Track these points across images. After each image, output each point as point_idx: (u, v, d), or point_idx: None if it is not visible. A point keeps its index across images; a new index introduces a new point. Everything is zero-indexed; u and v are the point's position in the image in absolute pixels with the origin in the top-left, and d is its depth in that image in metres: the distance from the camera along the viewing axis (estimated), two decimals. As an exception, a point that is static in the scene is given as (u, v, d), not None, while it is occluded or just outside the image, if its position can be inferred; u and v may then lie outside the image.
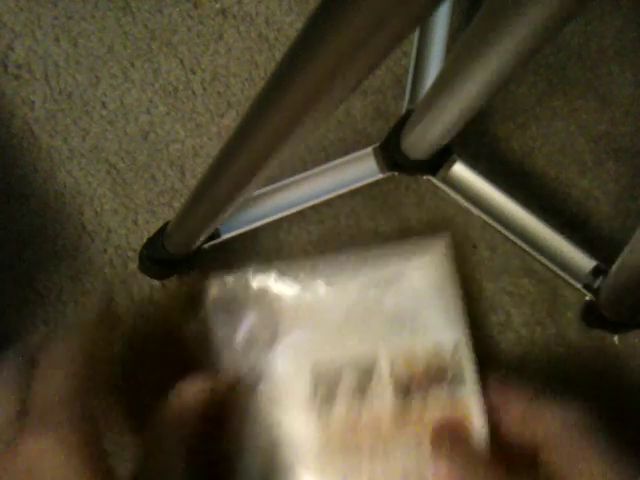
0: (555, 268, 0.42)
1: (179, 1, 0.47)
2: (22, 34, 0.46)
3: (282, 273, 0.42)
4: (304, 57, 0.19)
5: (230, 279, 0.42)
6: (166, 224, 0.39)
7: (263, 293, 0.41)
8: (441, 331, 0.41)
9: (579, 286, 0.42)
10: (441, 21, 0.44)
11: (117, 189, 0.45)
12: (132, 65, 0.47)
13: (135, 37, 0.47)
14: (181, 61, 0.47)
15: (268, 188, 0.42)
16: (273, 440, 0.39)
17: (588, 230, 0.46)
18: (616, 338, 0.44)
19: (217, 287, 0.42)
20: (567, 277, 0.42)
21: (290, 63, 0.20)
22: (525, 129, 0.47)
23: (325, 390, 0.40)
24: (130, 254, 0.44)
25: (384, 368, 0.40)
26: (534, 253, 0.42)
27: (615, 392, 0.44)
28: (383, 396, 0.40)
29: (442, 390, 0.40)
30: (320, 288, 0.42)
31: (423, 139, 0.38)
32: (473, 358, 0.40)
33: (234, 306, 0.41)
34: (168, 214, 0.45)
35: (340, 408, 0.40)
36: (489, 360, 0.44)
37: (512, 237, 0.42)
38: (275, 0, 0.48)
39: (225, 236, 0.41)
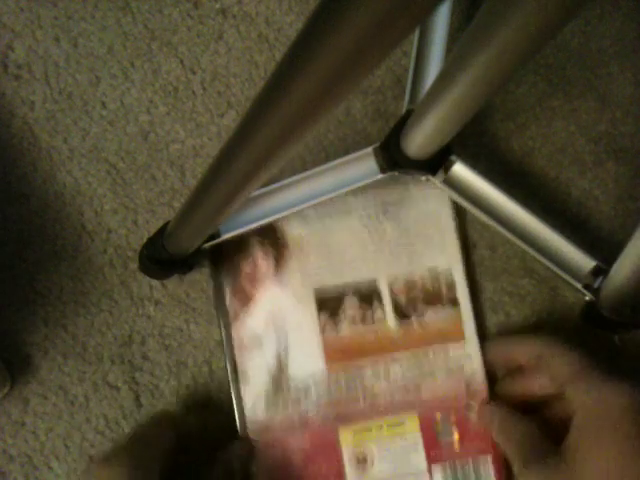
0: (555, 268, 0.42)
1: (179, 1, 0.47)
2: (22, 34, 0.46)
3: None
4: (304, 57, 0.19)
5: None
6: (166, 224, 0.39)
7: (267, 225, 0.43)
8: (437, 257, 0.44)
9: (579, 286, 0.42)
10: (441, 21, 0.44)
11: (117, 189, 0.45)
12: (132, 65, 0.47)
13: (135, 37, 0.47)
14: (181, 61, 0.47)
15: (268, 188, 0.42)
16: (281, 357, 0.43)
17: (588, 230, 0.46)
18: (616, 338, 0.44)
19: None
20: (567, 277, 0.42)
21: (290, 63, 0.20)
22: (525, 129, 0.47)
23: (329, 313, 0.43)
24: (130, 254, 0.44)
25: (384, 292, 0.43)
26: (534, 253, 0.42)
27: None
28: (383, 318, 0.43)
29: (437, 309, 0.43)
30: (324, 218, 0.44)
31: (423, 139, 0.38)
32: (466, 281, 0.44)
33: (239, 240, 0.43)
34: (168, 214, 0.45)
35: (343, 328, 0.43)
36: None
37: (512, 237, 0.42)
38: (275, 0, 0.48)
39: (225, 236, 0.41)
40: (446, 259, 0.44)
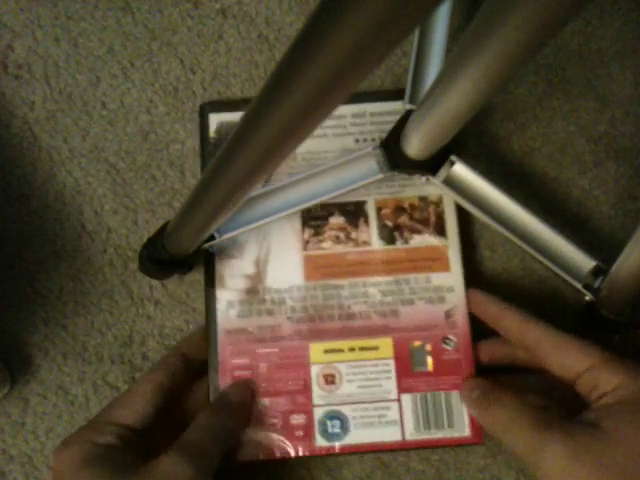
0: (555, 268, 0.42)
1: (179, 1, 0.47)
2: (22, 34, 0.46)
3: None
4: (304, 57, 0.19)
5: (229, 117, 0.44)
6: (166, 224, 0.39)
7: None
8: (429, 186, 0.44)
9: (579, 286, 0.42)
10: (441, 21, 0.44)
11: (117, 189, 0.45)
12: (132, 65, 0.47)
13: (135, 37, 0.47)
14: (181, 61, 0.47)
15: (268, 188, 0.42)
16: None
17: (588, 230, 0.46)
18: (616, 338, 0.44)
19: (216, 124, 0.44)
20: (567, 277, 0.42)
21: (290, 63, 0.20)
22: (525, 129, 0.47)
23: (313, 230, 0.43)
24: (130, 254, 0.44)
25: (371, 215, 0.43)
26: (534, 253, 0.42)
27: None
28: (368, 240, 0.43)
29: (424, 237, 0.43)
30: (320, 138, 0.44)
31: (423, 139, 0.38)
32: (455, 211, 0.44)
33: None
34: (168, 214, 0.45)
35: (326, 247, 0.43)
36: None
37: (512, 237, 0.42)
38: (275, 0, 0.48)
39: (225, 236, 0.41)
40: (438, 189, 0.43)
